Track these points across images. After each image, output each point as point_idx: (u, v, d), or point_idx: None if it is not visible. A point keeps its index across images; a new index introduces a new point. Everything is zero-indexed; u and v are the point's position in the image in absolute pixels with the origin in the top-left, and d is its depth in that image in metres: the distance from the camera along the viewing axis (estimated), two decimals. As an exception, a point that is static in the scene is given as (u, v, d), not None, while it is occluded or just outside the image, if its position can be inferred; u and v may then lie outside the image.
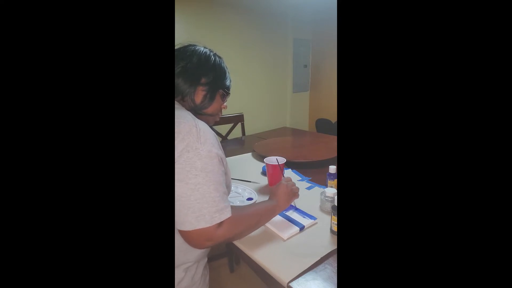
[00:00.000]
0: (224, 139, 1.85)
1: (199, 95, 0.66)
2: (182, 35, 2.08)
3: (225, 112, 1.96)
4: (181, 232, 0.55)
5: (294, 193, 0.75)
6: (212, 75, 0.67)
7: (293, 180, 1.04)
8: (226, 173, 0.64)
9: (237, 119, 1.94)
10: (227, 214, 0.55)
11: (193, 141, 0.55)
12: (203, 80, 0.66)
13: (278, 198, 0.71)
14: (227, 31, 2.42)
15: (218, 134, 1.84)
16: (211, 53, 0.69)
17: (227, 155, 1.37)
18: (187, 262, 0.63)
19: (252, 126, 2.50)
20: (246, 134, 1.98)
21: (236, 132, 1.95)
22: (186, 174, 0.52)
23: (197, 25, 2.21)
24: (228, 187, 0.68)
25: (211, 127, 0.66)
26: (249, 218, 0.63)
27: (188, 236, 0.54)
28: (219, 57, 0.71)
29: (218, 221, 0.54)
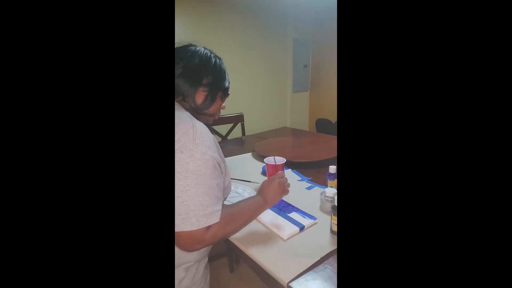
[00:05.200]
0: (224, 139, 1.85)
1: (200, 96, 0.66)
2: (182, 35, 2.07)
3: (225, 112, 1.95)
4: None
5: (284, 189, 0.73)
6: (213, 76, 0.67)
7: (293, 180, 1.05)
8: (225, 174, 0.64)
9: (237, 119, 1.94)
10: (215, 219, 0.55)
11: (188, 142, 0.54)
12: (204, 81, 0.66)
13: (267, 194, 0.70)
14: (227, 31, 2.42)
15: (218, 134, 1.84)
16: (211, 54, 0.69)
17: (227, 155, 1.38)
18: (187, 262, 0.63)
19: (252, 126, 2.50)
20: (246, 134, 1.98)
21: (236, 132, 1.95)
22: (176, 175, 0.52)
23: (197, 24, 2.21)
24: (227, 188, 0.68)
25: (210, 128, 0.66)
26: (239, 218, 0.62)
27: (176, 238, 0.54)
28: (219, 58, 0.71)
29: (205, 225, 0.53)
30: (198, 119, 0.64)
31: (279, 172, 0.76)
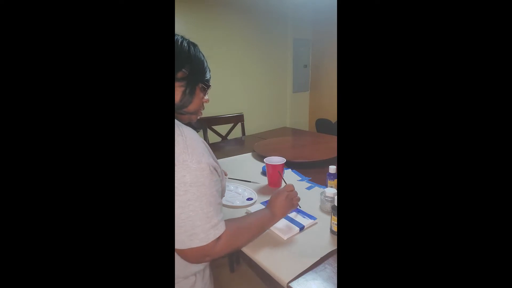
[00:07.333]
0: (224, 139, 1.85)
1: (177, 92, 0.57)
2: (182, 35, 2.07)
3: (225, 112, 1.96)
4: (176, 250, 0.52)
5: (292, 203, 0.71)
6: (189, 68, 0.57)
7: (293, 180, 1.05)
8: (222, 177, 0.61)
9: (237, 119, 1.94)
10: (222, 228, 0.53)
11: (180, 152, 0.49)
12: (179, 75, 0.57)
13: (274, 208, 0.68)
14: (227, 31, 2.42)
15: (218, 134, 1.84)
16: (184, 42, 0.59)
17: (227, 155, 1.38)
18: (197, 268, 0.63)
19: (252, 126, 2.50)
20: (246, 134, 1.98)
21: (236, 132, 1.95)
22: (175, 190, 0.48)
23: (197, 24, 2.21)
24: (223, 191, 0.66)
25: (211, 133, 0.63)
26: (247, 232, 0.61)
27: (185, 254, 0.52)
28: (194, 45, 0.60)
29: (214, 238, 0.51)
30: (180, 119, 0.59)
31: (288, 184, 0.73)
